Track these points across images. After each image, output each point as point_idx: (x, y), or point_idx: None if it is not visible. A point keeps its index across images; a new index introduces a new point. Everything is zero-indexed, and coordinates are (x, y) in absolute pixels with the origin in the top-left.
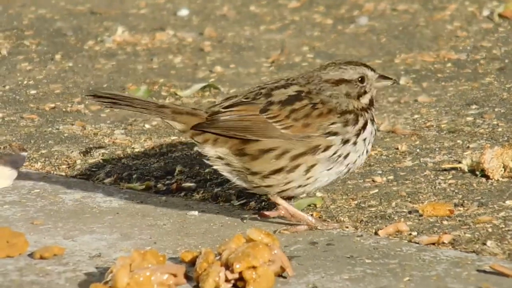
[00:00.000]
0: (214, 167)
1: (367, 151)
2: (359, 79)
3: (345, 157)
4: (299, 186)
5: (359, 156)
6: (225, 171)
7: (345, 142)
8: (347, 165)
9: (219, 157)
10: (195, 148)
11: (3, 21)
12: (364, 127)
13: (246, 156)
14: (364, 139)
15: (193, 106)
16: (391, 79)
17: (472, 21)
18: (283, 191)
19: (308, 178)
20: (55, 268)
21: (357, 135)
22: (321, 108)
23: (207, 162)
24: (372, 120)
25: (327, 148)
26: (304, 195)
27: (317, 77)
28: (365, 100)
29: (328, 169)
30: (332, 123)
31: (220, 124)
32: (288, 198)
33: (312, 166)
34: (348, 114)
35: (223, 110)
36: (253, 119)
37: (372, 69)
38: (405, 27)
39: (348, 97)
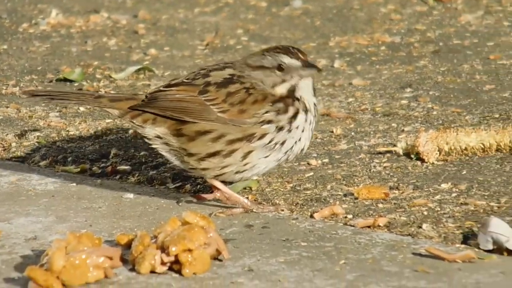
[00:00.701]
0: (153, 146)
1: (306, 139)
2: (279, 66)
3: (282, 144)
4: (237, 172)
5: (295, 143)
6: (163, 151)
7: (280, 129)
8: (286, 152)
9: (158, 136)
10: (130, 131)
11: None
12: (294, 116)
13: (183, 136)
14: (297, 127)
15: (131, 93)
16: (316, 67)
17: (406, 4)
18: (219, 175)
19: (245, 164)
20: None
21: (290, 123)
22: (255, 94)
23: (146, 141)
24: (307, 109)
25: (262, 136)
26: (236, 180)
27: (243, 60)
28: (281, 89)
29: (266, 156)
30: (266, 112)
31: (158, 103)
32: (227, 183)
33: (249, 152)
34: (278, 103)
35: (162, 89)
36: (191, 100)
37: (298, 58)
38: (340, 10)
39: (264, 84)
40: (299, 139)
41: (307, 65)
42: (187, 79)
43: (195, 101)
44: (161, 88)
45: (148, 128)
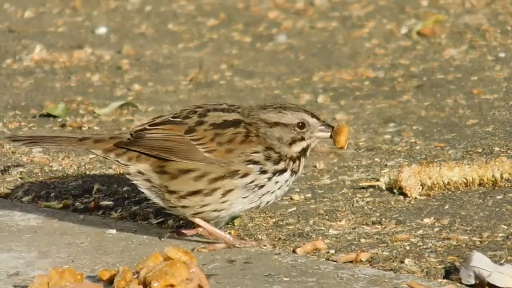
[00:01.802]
0: (134, 182)
1: (276, 196)
2: (299, 124)
3: (260, 187)
4: (214, 210)
5: (268, 192)
6: (144, 187)
7: (263, 172)
8: (260, 197)
9: (140, 172)
10: (114, 166)
11: None
12: (282, 172)
13: (166, 174)
14: (277, 182)
15: (114, 132)
16: (331, 128)
17: (390, 38)
18: (197, 213)
19: (223, 202)
20: None
21: (274, 173)
22: (249, 137)
23: (127, 177)
24: (295, 171)
25: (245, 174)
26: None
27: (255, 112)
28: (297, 148)
29: (244, 197)
30: (255, 152)
31: (144, 142)
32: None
33: (229, 191)
34: (272, 152)
35: (148, 127)
36: (177, 140)
37: (315, 116)
38: (324, 45)
39: (280, 141)
40: (272, 192)
41: (326, 125)
42: (174, 117)
43: (181, 140)
44: (147, 127)
45: (131, 166)
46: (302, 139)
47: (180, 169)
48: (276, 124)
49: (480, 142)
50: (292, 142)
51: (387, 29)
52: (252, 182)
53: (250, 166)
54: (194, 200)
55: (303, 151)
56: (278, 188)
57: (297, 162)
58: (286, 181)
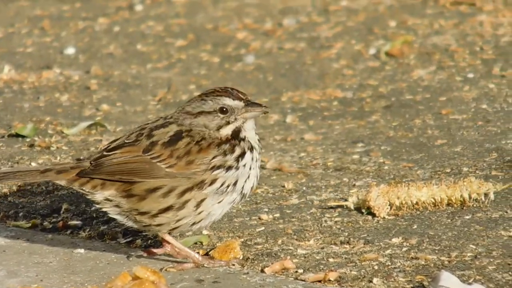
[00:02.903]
0: (104, 209)
1: (254, 176)
2: (222, 109)
3: (234, 184)
4: (193, 224)
5: (245, 181)
6: (114, 213)
7: (228, 169)
8: (240, 192)
9: (107, 199)
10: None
11: None
12: (242, 155)
13: (133, 197)
14: (245, 165)
15: (75, 161)
16: (260, 106)
17: (358, 59)
18: (174, 228)
19: (199, 213)
20: None
21: (237, 161)
22: (202, 143)
23: (96, 206)
24: (251, 148)
25: (213, 181)
26: (194, 231)
27: (181, 109)
28: (226, 131)
29: (219, 202)
30: (214, 157)
31: (105, 169)
32: (177, 236)
33: (202, 201)
34: (223, 145)
35: (106, 153)
36: (138, 160)
37: (239, 98)
38: (292, 66)
39: (207, 128)
40: (248, 177)
41: (251, 104)
42: (128, 139)
43: (141, 160)
44: (104, 153)
45: (97, 194)
46: (228, 123)
47: (147, 189)
48: (200, 113)
49: (448, 162)
50: (219, 127)
51: (355, 50)
52: (222, 185)
53: (215, 172)
54: (167, 216)
55: (235, 133)
56: (252, 169)
57: (245, 140)
58: (253, 159)
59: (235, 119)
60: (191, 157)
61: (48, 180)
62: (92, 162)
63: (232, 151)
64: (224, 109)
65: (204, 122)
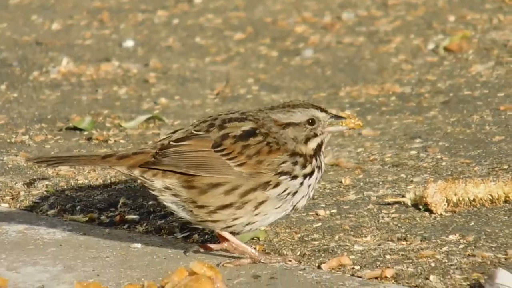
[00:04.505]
0: (160, 197)
1: (309, 196)
2: (309, 121)
3: (293, 194)
4: (247, 224)
5: (302, 197)
6: (170, 202)
7: (293, 178)
8: (293, 204)
9: (167, 188)
10: (139, 181)
11: None
12: (311, 174)
13: (194, 189)
14: (309, 185)
15: (137, 148)
16: (342, 118)
17: (417, 54)
18: (229, 227)
19: (256, 215)
20: None
21: (304, 177)
22: (273, 145)
23: (152, 193)
24: (319, 167)
25: (277, 184)
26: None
27: (265, 114)
28: (312, 145)
29: (277, 207)
30: (283, 162)
31: (172, 161)
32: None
33: (262, 202)
34: (298, 156)
35: (173, 143)
36: (206, 155)
37: (325, 111)
38: (350, 60)
39: (295, 141)
40: (306, 194)
41: (335, 117)
42: (198, 130)
43: (210, 156)
44: (172, 143)
45: (156, 181)
46: (315, 135)
47: (209, 183)
48: (288, 124)
49: (506, 159)
50: (307, 140)
51: (414, 45)
52: (284, 191)
53: (282, 177)
54: (225, 214)
55: (318, 147)
56: (311, 190)
57: (318, 158)
58: (316, 179)
59: (321, 132)
60: (261, 157)
61: (108, 165)
62: (158, 152)
63: (304, 166)
64: (312, 121)
65: (294, 134)
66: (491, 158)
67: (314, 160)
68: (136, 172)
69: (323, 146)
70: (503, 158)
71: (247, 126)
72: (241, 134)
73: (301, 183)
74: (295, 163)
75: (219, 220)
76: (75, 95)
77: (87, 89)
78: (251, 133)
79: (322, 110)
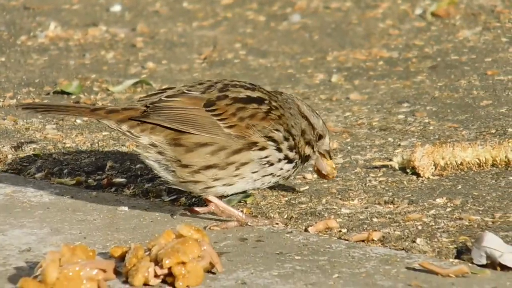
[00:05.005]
0: (143, 154)
1: (275, 180)
2: (319, 135)
3: (270, 165)
4: (224, 185)
5: (271, 174)
6: (153, 160)
7: (278, 150)
8: (263, 176)
9: (153, 144)
10: (127, 143)
11: None
12: (290, 160)
13: (181, 147)
14: (282, 168)
15: (126, 104)
16: (329, 157)
17: (404, 19)
18: (207, 188)
19: (235, 176)
20: None
21: (285, 158)
22: (272, 115)
23: (137, 150)
24: (295, 168)
25: (263, 148)
26: (231, 193)
27: (290, 99)
28: (308, 150)
29: (253, 172)
30: (276, 129)
31: (163, 114)
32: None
33: (244, 164)
34: (291, 139)
35: (164, 99)
36: (197, 114)
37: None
38: (338, 25)
39: (301, 134)
40: (274, 175)
41: (328, 154)
42: (189, 89)
43: (201, 114)
44: (163, 98)
45: (143, 137)
46: (313, 146)
47: (197, 143)
48: (307, 118)
49: (493, 123)
50: (308, 143)
51: (401, 10)
52: (266, 157)
53: (269, 143)
54: (208, 175)
55: (306, 157)
56: (278, 175)
57: (300, 163)
58: (288, 171)
59: (314, 151)
60: (254, 121)
61: (97, 118)
62: (148, 105)
63: (291, 149)
64: (320, 136)
65: (306, 128)
66: (478, 122)
67: (298, 157)
68: (124, 127)
69: (308, 161)
70: (491, 122)
71: (254, 94)
72: (242, 98)
73: (279, 160)
74: (286, 139)
75: (201, 181)
76: (63, 59)
77: (75, 53)
78: (257, 100)
79: (330, 139)
